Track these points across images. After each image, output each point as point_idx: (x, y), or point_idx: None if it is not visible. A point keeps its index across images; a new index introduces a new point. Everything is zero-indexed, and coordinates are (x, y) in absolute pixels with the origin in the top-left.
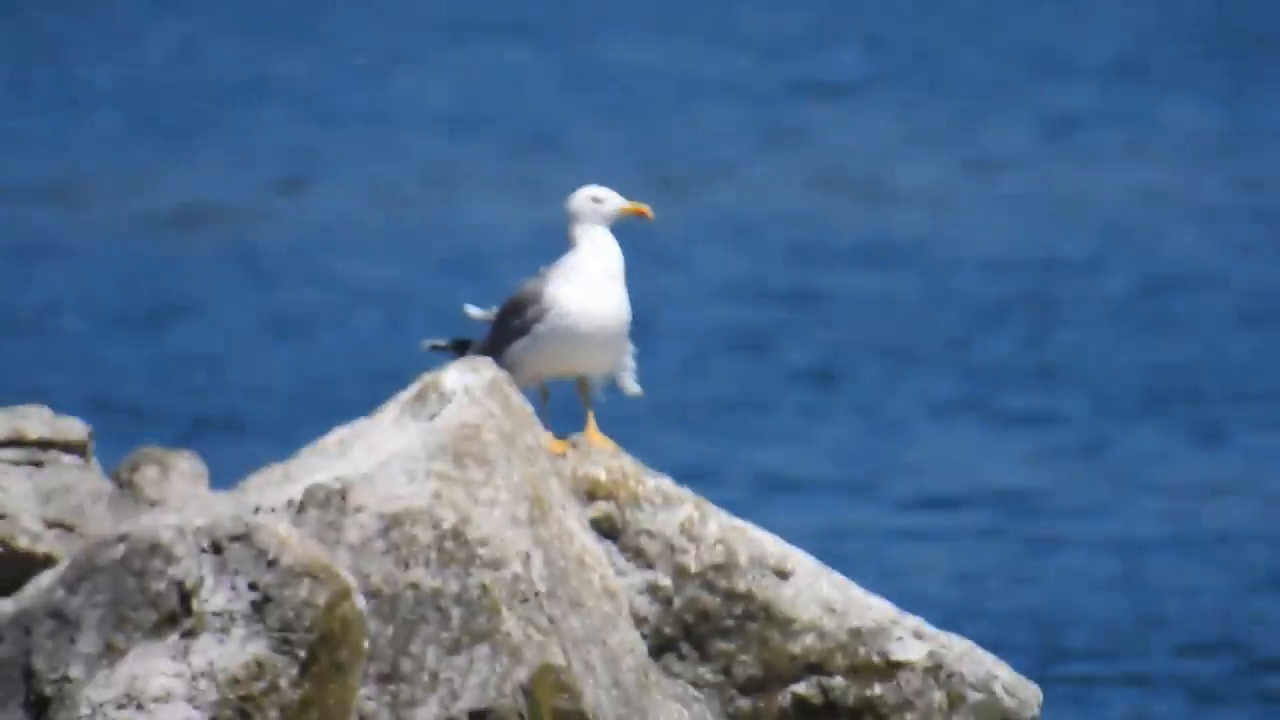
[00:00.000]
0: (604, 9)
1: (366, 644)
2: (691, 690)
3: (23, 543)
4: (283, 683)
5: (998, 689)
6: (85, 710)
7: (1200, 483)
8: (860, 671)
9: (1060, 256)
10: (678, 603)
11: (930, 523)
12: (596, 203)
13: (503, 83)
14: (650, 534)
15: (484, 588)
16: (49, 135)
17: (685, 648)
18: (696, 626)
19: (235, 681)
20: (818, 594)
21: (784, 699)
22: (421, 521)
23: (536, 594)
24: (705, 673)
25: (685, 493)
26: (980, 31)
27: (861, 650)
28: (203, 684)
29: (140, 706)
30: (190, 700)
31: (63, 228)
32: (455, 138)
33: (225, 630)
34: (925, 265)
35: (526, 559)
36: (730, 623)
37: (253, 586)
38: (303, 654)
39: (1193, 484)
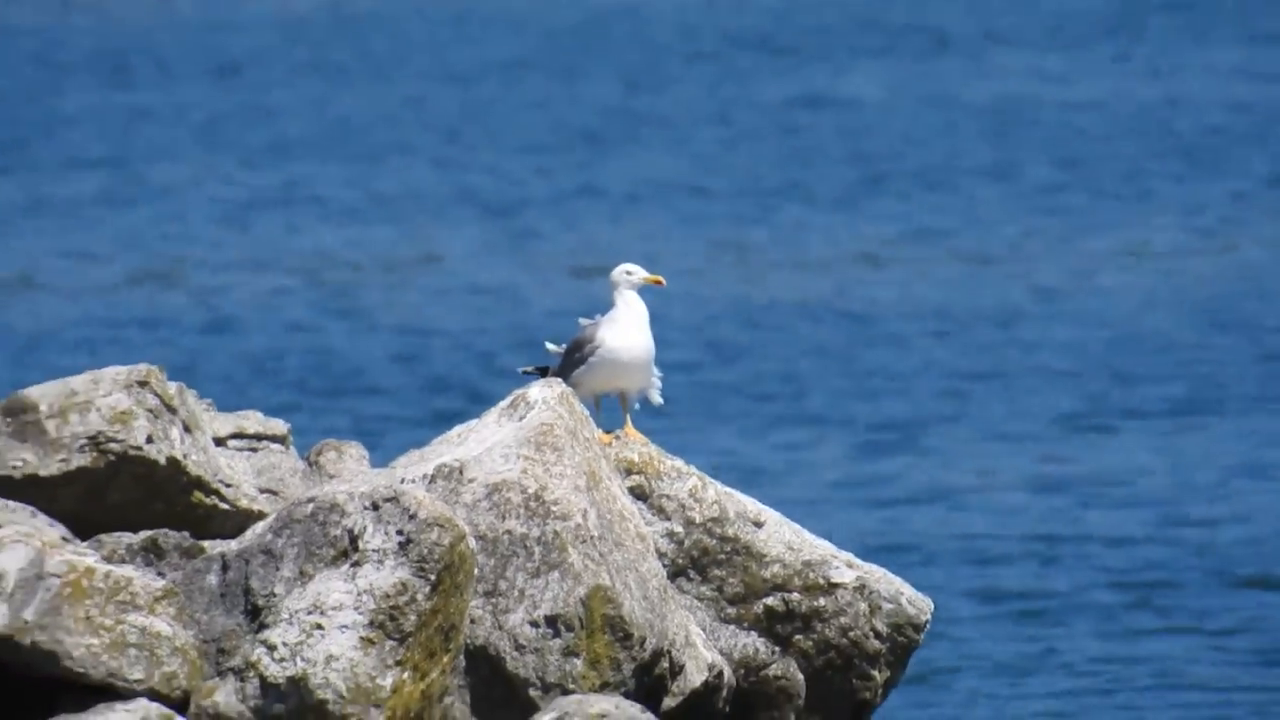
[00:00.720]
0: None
1: (476, 571)
2: (696, 602)
3: (244, 503)
4: (419, 597)
5: (903, 601)
6: (285, 615)
7: None
8: (810, 590)
9: None
10: (686, 543)
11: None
12: (628, 274)
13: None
14: (668, 497)
15: (556, 533)
16: None
17: (691, 573)
18: (699, 559)
19: (386, 596)
20: (782, 537)
21: (758, 608)
22: (514, 489)
23: (592, 537)
24: (705, 590)
25: (692, 469)
26: None
27: (810, 575)
28: (364, 598)
29: (323, 613)
30: (356, 609)
31: None
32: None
33: (380, 562)
34: None
35: (585, 513)
36: (722, 557)
37: (399, 532)
38: (433, 577)
39: None
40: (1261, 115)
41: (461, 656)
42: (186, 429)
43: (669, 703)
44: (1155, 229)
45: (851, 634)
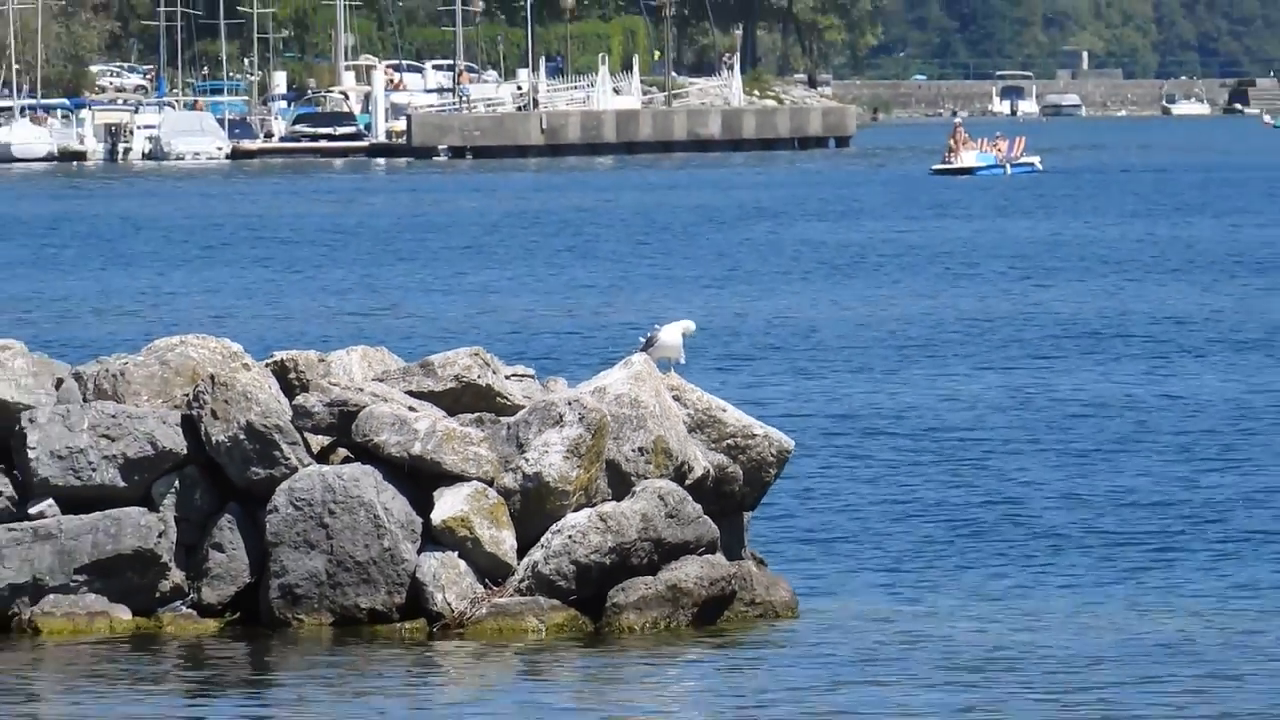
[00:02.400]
0: None
1: (611, 428)
2: (699, 442)
3: (516, 402)
4: (586, 439)
5: (782, 441)
6: (532, 445)
7: None
8: (746, 437)
9: None
10: (695, 419)
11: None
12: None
13: None
14: (687, 402)
15: (640, 415)
16: None
17: (697, 430)
18: (702, 424)
19: (574, 439)
20: (736, 416)
21: (725, 444)
22: (625, 396)
23: (656, 415)
24: (702, 436)
25: (698, 390)
26: None
27: (746, 431)
28: (565, 440)
29: (547, 446)
30: (561, 444)
31: None
32: None
33: (571, 425)
34: None
35: (652, 406)
36: (709, 423)
37: (579, 414)
38: (592, 431)
39: None
40: None
41: (603, 464)
42: (493, 372)
43: (686, 484)
44: None
45: (762, 454)
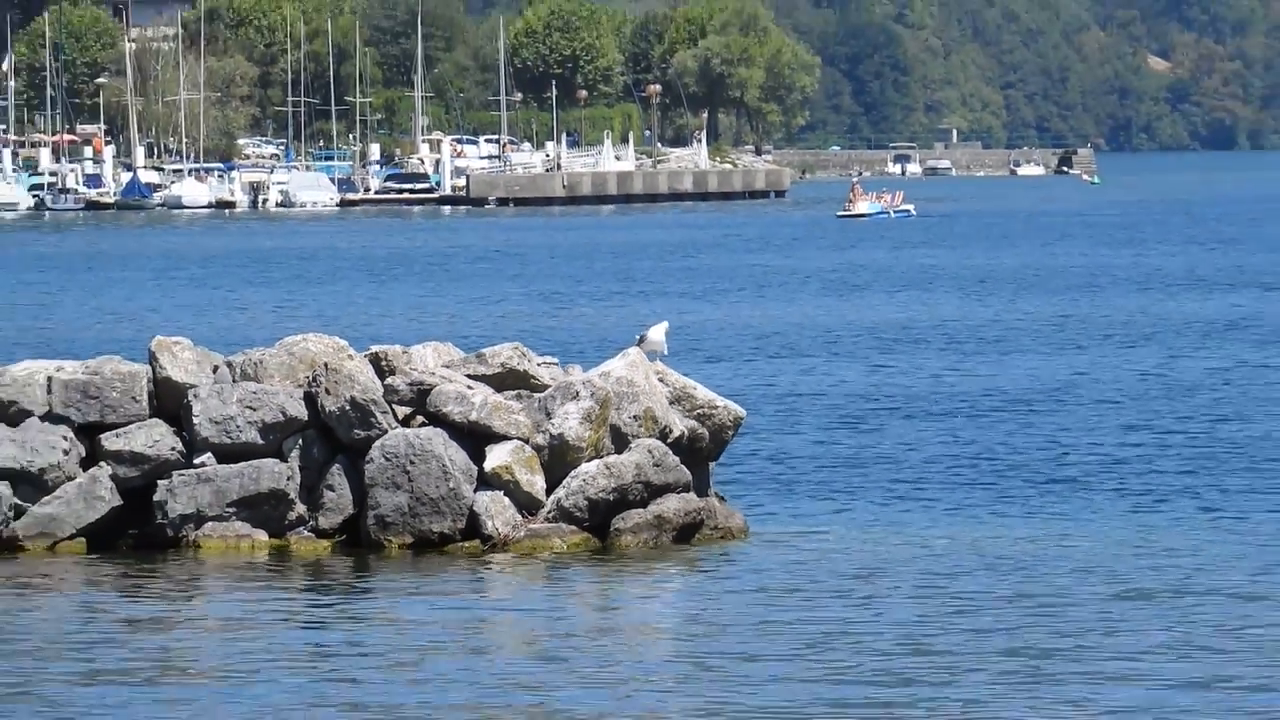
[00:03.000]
0: None
1: (614, 401)
2: (678, 411)
3: (544, 381)
4: (596, 409)
5: (736, 410)
6: (557, 412)
7: None
8: (712, 407)
9: None
10: (674, 395)
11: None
12: (658, 324)
13: None
14: (668, 383)
15: (635, 392)
16: None
17: (675, 404)
18: (679, 400)
19: (587, 409)
20: (704, 393)
21: (695, 413)
22: (623, 379)
23: (646, 392)
24: (679, 408)
25: (674, 373)
26: None
27: (711, 404)
28: (580, 410)
29: (566, 415)
30: (577, 413)
31: None
32: None
33: (584, 400)
34: None
35: (643, 386)
36: (684, 398)
37: (590, 391)
38: (599, 404)
39: None
40: None
41: (608, 429)
42: (528, 360)
43: (668, 441)
44: None
45: (722, 420)
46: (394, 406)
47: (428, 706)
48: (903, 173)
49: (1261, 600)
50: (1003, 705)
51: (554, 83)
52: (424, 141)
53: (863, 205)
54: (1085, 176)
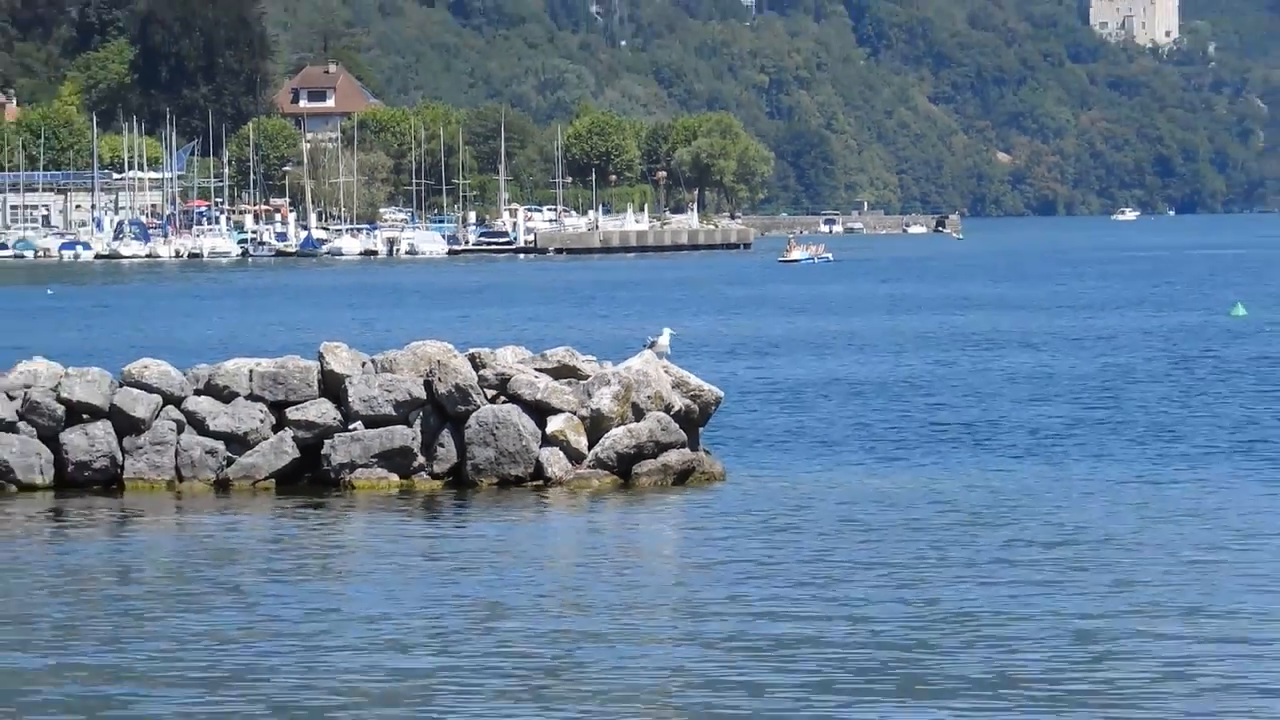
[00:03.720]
0: None
1: (633, 386)
2: (676, 394)
3: (593, 372)
4: (620, 393)
5: (716, 391)
6: (595, 394)
7: None
8: (700, 390)
9: None
10: (673, 381)
11: None
12: (664, 329)
13: None
14: (671, 374)
15: (647, 380)
16: None
17: (677, 388)
18: (678, 386)
19: (615, 392)
20: (694, 380)
21: (690, 394)
22: (640, 371)
23: (656, 380)
24: (679, 391)
25: (674, 366)
26: None
27: (699, 388)
28: (610, 392)
29: (602, 398)
30: (610, 394)
31: None
32: None
33: (613, 386)
34: None
35: (656, 376)
36: (679, 384)
37: (618, 379)
38: (624, 387)
39: None
40: None
41: (630, 405)
42: (576, 358)
43: (671, 414)
44: None
45: (708, 399)
46: (485, 390)
47: (496, 591)
48: (830, 231)
49: (1061, 523)
50: (879, 600)
51: (594, 170)
52: (505, 209)
53: (796, 253)
54: (953, 234)
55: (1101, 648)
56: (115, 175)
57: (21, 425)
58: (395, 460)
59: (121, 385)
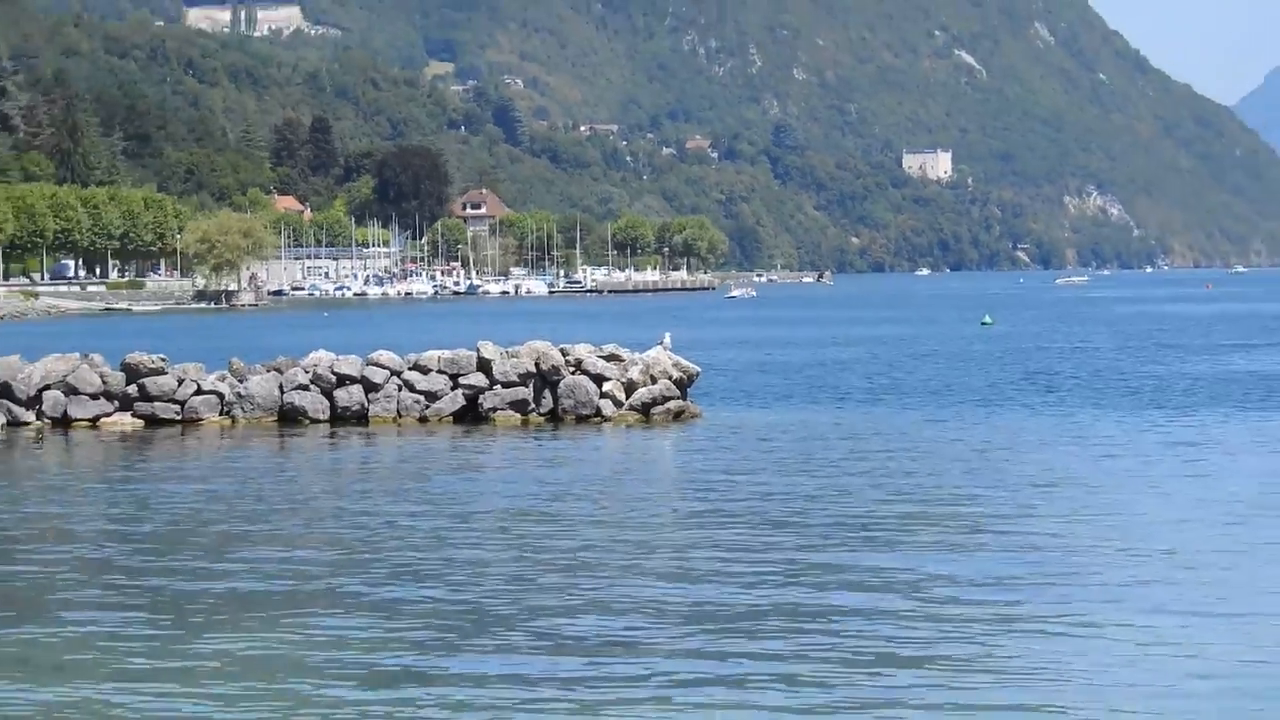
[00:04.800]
0: None
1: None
2: (671, 363)
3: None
4: (644, 374)
5: (696, 366)
6: (627, 375)
7: None
8: (684, 368)
9: None
10: (674, 358)
11: None
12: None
13: None
14: (671, 355)
15: (659, 361)
16: None
17: (676, 371)
18: (678, 371)
19: (643, 366)
20: (683, 360)
21: (681, 366)
22: (656, 358)
23: (667, 360)
24: (678, 373)
25: (679, 358)
26: None
27: (683, 366)
28: (639, 368)
29: (623, 383)
30: (638, 372)
31: None
32: None
33: (639, 365)
34: None
35: (664, 358)
36: (670, 360)
37: (644, 363)
38: (645, 371)
39: None
40: None
41: (649, 375)
42: (617, 349)
43: (671, 379)
44: None
45: (691, 371)
46: (568, 367)
47: (579, 469)
48: (759, 280)
49: (887, 434)
50: (788, 465)
51: (628, 247)
52: (580, 269)
53: (736, 292)
54: (827, 282)
55: None
56: (364, 249)
57: (311, 387)
58: (519, 406)
59: (367, 364)
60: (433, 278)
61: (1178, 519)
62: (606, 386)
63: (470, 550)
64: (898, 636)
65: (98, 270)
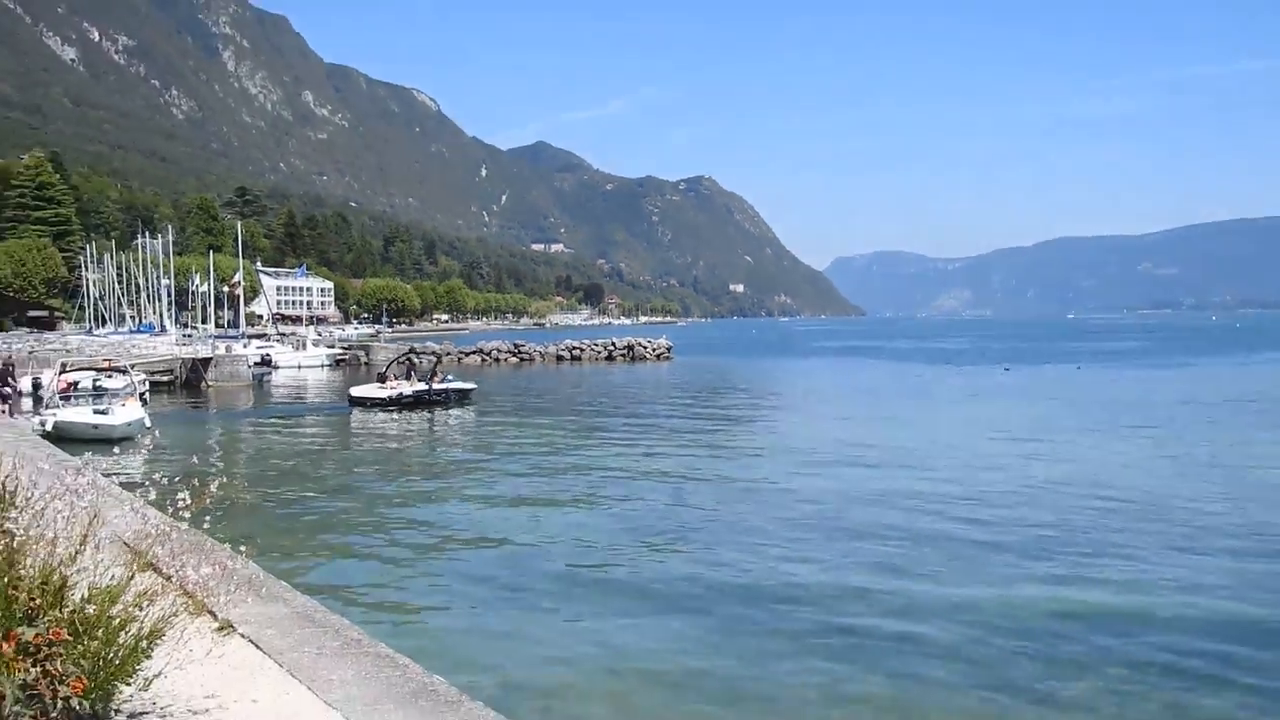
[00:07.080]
0: None
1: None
2: (644, 346)
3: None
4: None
5: (669, 344)
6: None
7: None
8: (667, 346)
9: None
10: (666, 347)
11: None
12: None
13: None
14: (660, 345)
15: (657, 345)
16: None
17: (666, 349)
18: (664, 346)
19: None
20: (661, 343)
21: (664, 347)
22: (659, 345)
23: (661, 350)
24: (664, 347)
25: (666, 341)
26: None
27: (668, 345)
28: None
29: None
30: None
31: None
32: None
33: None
34: None
35: (665, 346)
36: (667, 348)
37: (654, 345)
38: (656, 350)
39: None
40: None
41: (656, 350)
42: (637, 343)
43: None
44: None
45: (670, 346)
46: (625, 349)
47: (614, 377)
48: (676, 323)
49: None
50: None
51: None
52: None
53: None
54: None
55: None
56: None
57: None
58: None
59: None
60: None
61: None
62: (639, 352)
63: None
64: None
65: None
